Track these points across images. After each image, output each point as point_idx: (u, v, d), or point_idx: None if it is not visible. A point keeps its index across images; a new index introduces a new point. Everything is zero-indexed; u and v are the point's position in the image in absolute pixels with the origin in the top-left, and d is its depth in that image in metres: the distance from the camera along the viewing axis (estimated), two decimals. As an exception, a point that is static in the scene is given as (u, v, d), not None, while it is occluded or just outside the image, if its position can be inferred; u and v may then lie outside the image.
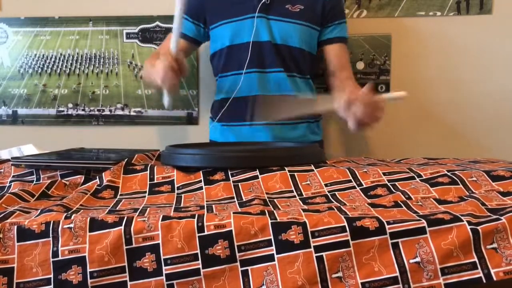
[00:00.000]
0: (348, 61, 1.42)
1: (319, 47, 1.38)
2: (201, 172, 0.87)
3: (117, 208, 0.72)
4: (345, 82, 1.36)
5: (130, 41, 1.62)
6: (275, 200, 0.76)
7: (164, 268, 0.61)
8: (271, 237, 0.62)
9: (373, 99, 1.00)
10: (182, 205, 0.74)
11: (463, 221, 0.61)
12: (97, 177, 0.86)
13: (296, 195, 0.78)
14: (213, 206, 0.72)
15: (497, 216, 0.62)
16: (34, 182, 0.90)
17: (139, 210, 0.69)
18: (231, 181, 0.83)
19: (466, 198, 0.71)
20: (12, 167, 0.95)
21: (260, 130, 1.34)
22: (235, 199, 0.77)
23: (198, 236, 0.62)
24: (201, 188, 0.82)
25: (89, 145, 1.33)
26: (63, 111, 1.65)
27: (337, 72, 1.38)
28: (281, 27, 1.30)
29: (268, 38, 1.29)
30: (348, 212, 0.66)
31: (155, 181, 0.85)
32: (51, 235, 0.62)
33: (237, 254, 0.61)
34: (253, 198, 0.75)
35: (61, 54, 1.63)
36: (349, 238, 0.61)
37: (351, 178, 0.83)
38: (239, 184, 0.83)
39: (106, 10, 1.61)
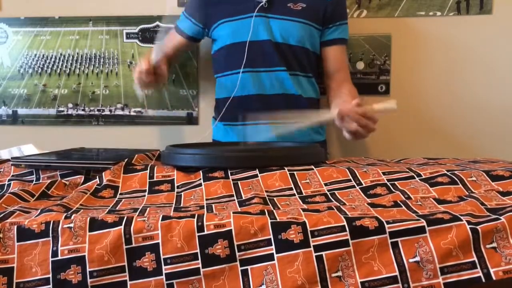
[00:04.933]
0: (346, 62, 1.43)
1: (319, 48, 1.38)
2: (201, 172, 0.87)
3: (117, 208, 0.72)
4: (341, 84, 1.36)
5: (130, 41, 1.62)
6: (274, 198, 0.76)
7: (164, 267, 0.61)
8: (271, 236, 0.62)
9: (364, 113, 1.04)
10: (182, 205, 0.74)
11: (462, 220, 0.61)
12: (97, 176, 0.86)
13: (296, 193, 0.79)
14: (213, 205, 0.72)
15: (497, 216, 0.62)
16: (34, 182, 0.90)
17: (139, 210, 0.69)
18: (230, 180, 0.84)
19: (465, 198, 0.71)
20: (12, 167, 0.95)
21: (263, 130, 1.34)
22: (235, 197, 0.77)
23: (198, 236, 0.62)
24: (200, 185, 0.82)
25: (89, 145, 1.33)
26: (63, 111, 1.65)
27: (334, 74, 1.38)
28: (282, 25, 1.30)
29: (267, 37, 1.29)
30: (347, 212, 0.66)
31: (155, 179, 0.85)
32: (51, 235, 0.62)
33: (237, 254, 0.61)
34: (252, 196, 0.75)
35: (61, 54, 1.63)
36: (348, 237, 0.61)
37: (350, 177, 0.83)
38: (239, 182, 0.83)
39: (106, 10, 1.61)
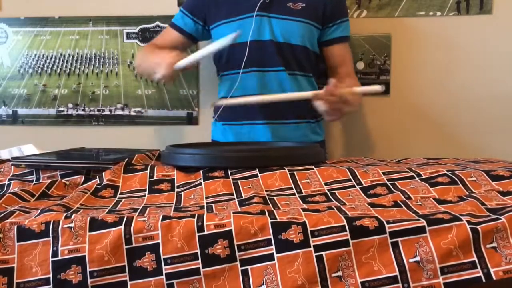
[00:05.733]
0: (349, 58, 1.42)
1: (321, 47, 1.38)
2: (201, 172, 0.87)
3: (117, 208, 0.72)
4: (343, 78, 1.36)
5: (130, 41, 1.62)
6: (274, 198, 0.76)
7: (164, 267, 0.61)
8: (271, 236, 0.62)
9: (339, 95, 1.08)
10: (182, 205, 0.74)
11: (462, 220, 0.61)
12: (97, 176, 0.86)
13: (296, 193, 0.79)
14: (213, 205, 0.72)
15: (497, 216, 0.62)
16: (34, 182, 0.90)
17: (139, 210, 0.69)
18: (230, 179, 0.84)
19: (465, 198, 0.71)
20: (12, 167, 0.95)
21: (260, 130, 1.34)
22: (235, 196, 0.77)
23: (198, 236, 0.62)
24: (200, 184, 0.82)
25: (89, 145, 1.33)
26: (63, 111, 1.65)
27: (337, 69, 1.38)
28: (283, 25, 1.30)
29: (269, 36, 1.29)
30: (347, 212, 0.66)
31: (155, 178, 0.85)
32: (51, 235, 0.62)
33: (237, 254, 0.61)
34: (252, 195, 0.75)
35: (61, 54, 1.63)
36: (348, 237, 0.61)
37: (350, 177, 0.83)
38: (239, 181, 0.83)
39: (106, 10, 1.61)
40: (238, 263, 0.61)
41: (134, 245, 0.62)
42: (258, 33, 1.29)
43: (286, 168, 0.86)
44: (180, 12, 1.40)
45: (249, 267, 0.61)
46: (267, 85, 1.32)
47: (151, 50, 1.34)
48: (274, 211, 0.67)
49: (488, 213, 0.65)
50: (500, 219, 0.61)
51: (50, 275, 0.61)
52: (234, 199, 0.76)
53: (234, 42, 1.32)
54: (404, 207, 0.69)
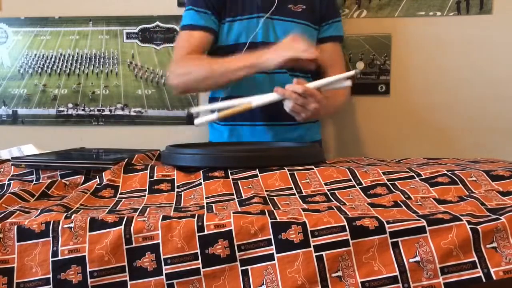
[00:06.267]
0: (340, 59, 1.40)
1: None
2: (201, 172, 0.87)
3: (117, 208, 0.72)
4: None
5: (130, 41, 1.62)
6: (274, 198, 0.76)
7: (164, 267, 0.61)
8: (271, 236, 0.62)
9: (303, 91, 1.02)
10: (182, 205, 0.74)
11: (462, 220, 0.61)
12: (97, 176, 0.86)
13: (296, 193, 0.79)
14: (213, 205, 0.72)
15: (497, 216, 0.62)
16: (34, 182, 0.90)
17: (139, 210, 0.69)
18: (230, 179, 0.84)
19: (465, 198, 0.71)
20: (12, 167, 0.95)
21: (260, 131, 1.33)
22: (235, 196, 0.77)
23: (198, 236, 0.62)
24: (200, 184, 0.82)
25: (89, 145, 1.33)
26: (63, 111, 1.65)
27: (327, 70, 1.37)
28: (286, 27, 1.30)
29: (273, 39, 1.29)
30: (347, 212, 0.66)
31: (155, 178, 0.85)
32: (51, 235, 0.62)
33: (237, 254, 0.61)
34: (252, 195, 0.75)
35: (61, 54, 1.63)
36: (348, 237, 0.61)
37: (350, 177, 0.83)
38: (239, 181, 0.83)
39: (106, 10, 1.61)
40: (238, 263, 0.61)
41: (134, 245, 0.62)
42: (264, 35, 1.29)
43: (286, 168, 0.86)
44: (192, 12, 1.29)
45: (249, 267, 0.61)
46: (269, 87, 1.30)
47: (200, 60, 1.23)
48: (274, 211, 0.67)
49: (488, 213, 0.65)
50: (500, 219, 0.61)
51: (50, 275, 0.61)
52: (234, 199, 0.76)
53: (238, 42, 1.31)
54: (404, 207, 0.69)
